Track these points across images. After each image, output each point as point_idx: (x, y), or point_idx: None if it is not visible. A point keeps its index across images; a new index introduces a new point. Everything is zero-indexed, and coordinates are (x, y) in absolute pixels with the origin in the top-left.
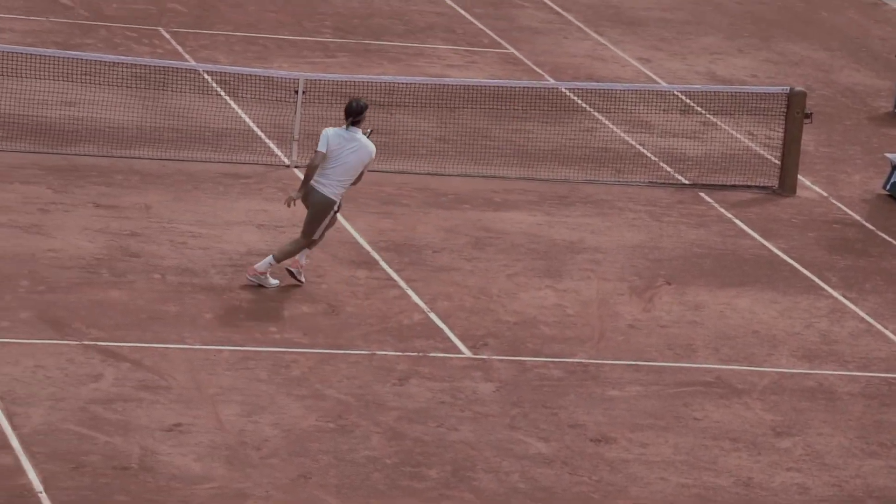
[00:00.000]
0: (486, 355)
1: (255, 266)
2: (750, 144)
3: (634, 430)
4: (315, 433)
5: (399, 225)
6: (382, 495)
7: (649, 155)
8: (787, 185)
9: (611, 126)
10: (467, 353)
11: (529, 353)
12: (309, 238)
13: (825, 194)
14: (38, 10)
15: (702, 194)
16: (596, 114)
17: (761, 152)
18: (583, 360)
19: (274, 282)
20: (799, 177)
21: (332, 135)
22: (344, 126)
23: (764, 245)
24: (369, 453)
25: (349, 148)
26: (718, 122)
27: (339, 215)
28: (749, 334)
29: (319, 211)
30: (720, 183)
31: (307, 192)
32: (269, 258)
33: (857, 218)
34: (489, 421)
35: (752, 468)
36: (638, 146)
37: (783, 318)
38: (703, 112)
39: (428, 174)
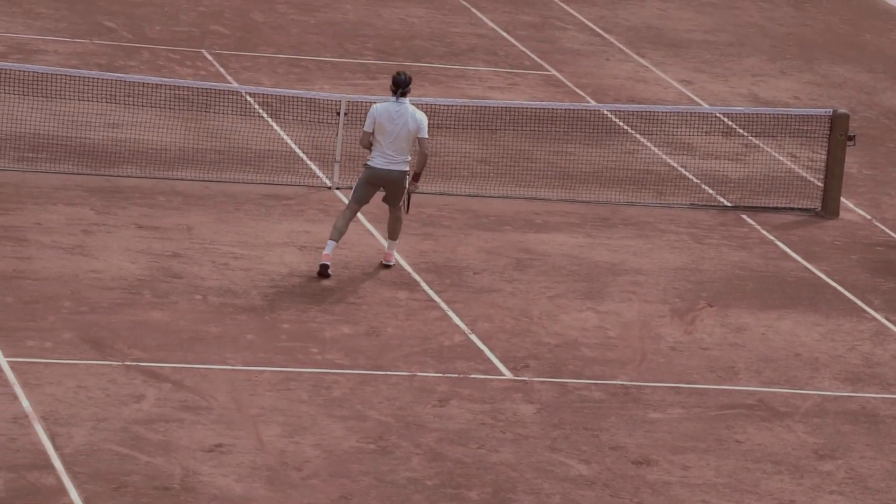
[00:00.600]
0: (526, 377)
1: (387, 252)
2: (792, 167)
3: (676, 453)
4: (356, 454)
5: (440, 246)
6: None
7: (691, 177)
8: (829, 207)
9: (652, 148)
10: (508, 374)
11: (570, 374)
12: (396, 206)
13: (868, 217)
14: (81, 33)
15: (744, 216)
16: (638, 136)
17: (804, 174)
18: (624, 383)
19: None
20: (842, 199)
21: (379, 110)
22: (393, 99)
23: (806, 267)
24: (410, 475)
25: (399, 121)
26: (761, 144)
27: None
28: (791, 357)
29: (397, 187)
30: (762, 205)
31: (377, 176)
32: (386, 244)
33: None
34: (530, 442)
35: (795, 491)
36: (680, 168)
37: (826, 341)
38: (746, 134)
39: (469, 196)
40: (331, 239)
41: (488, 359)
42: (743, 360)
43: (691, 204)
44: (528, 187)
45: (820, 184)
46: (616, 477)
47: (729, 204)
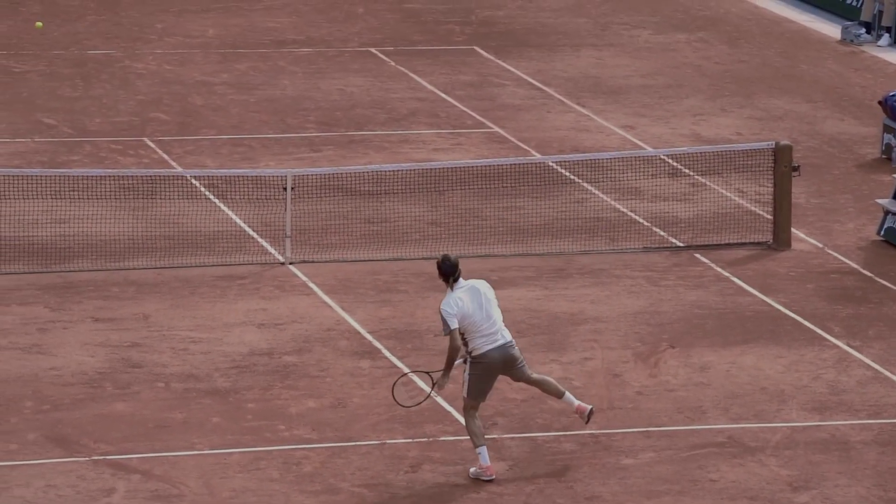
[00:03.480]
0: (496, 434)
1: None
2: (741, 202)
3: (651, 497)
4: None
5: (398, 311)
6: None
7: (641, 221)
8: (781, 239)
9: (601, 195)
10: None
11: (539, 428)
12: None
13: (820, 245)
14: (22, 132)
15: (697, 255)
16: (585, 184)
17: (753, 208)
18: (594, 431)
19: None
20: (793, 230)
21: (454, 302)
22: (450, 289)
23: (764, 301)
24: None
25: (476, 301)
26: (707, 182)
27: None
28: (757, 391)
29: (516, 360)
30: (714, 242)
31: (495, 360)
32: (478, 450)
33: (855, 266)
34: (505, 500)
35: None
36: (629, 213)
37: (790, 372)
38: (691, 174)
39: (423, 258)
40: (481, 446)
41: (456, 420)
42: (710, 398)
43: (644, 247)
44: (480, 245)
45: (769, 216)
46: None
47: (681, 244)
